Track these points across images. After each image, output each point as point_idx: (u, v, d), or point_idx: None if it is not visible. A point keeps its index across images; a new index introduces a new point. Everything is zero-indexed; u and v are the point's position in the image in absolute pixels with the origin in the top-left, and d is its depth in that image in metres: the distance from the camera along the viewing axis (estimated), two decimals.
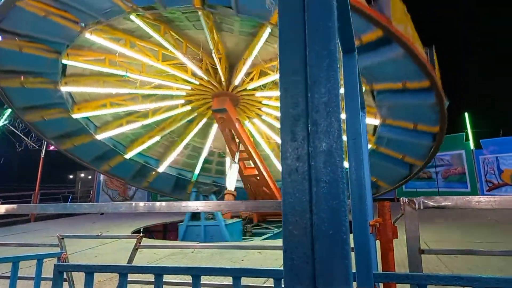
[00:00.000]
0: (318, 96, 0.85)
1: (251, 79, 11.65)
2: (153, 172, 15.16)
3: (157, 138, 14.12)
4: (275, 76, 11.00)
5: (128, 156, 14.02)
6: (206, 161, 16.02)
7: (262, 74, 11.64)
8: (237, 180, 14.16)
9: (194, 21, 9.58)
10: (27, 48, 9.61)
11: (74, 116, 11.98)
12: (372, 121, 10.99)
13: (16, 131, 18.79)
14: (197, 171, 15.79)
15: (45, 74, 10.71)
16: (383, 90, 9.77)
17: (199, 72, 11.21)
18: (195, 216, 11.04)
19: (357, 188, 1.72)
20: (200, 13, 8.81)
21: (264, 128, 14.57)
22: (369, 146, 11.76)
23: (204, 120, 14.04)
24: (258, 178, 13.09)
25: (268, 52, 10.83)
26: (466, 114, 21.11)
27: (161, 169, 14.97)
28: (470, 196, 2.37)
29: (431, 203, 2.35)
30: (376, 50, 8.28)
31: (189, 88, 12.14)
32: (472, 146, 20.31)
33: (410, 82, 9.20)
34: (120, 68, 11.20)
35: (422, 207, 2.35)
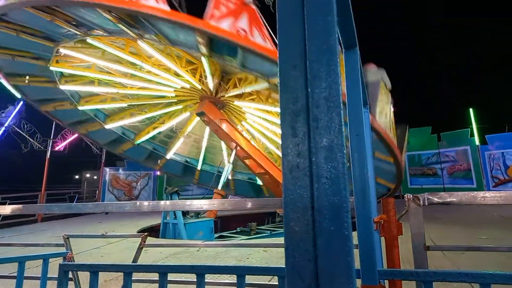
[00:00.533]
0: (318, 91, 0.84)
1: (228, 89, 11.93)
2: (162, 159, 16.85)
3: (160, 129, 15.23)
4: (240, 90, 11.55)
5: (137, 142, 15.64)
6: (209, 152, 17.35)
7: (236, 86, 11.85)
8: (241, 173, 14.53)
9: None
10: (17, 57, 10.62)
11: (81, 108, 13.37)
12: None
13: (22, 132, 18.91)
14: (200, 161, 17.48)
15: (44, 75, 11.62)
16: None
17: (185, 74, 11.41)
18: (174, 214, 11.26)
19: (361, 184, 1.70)
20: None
21: (253, 131, 15.05)
22: None
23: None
24: (267, 176, 13.11)
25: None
26: (471, 110, 20.96)
27: (169, 156, 16.69)
28: (475, 192, 2.35)
29: (436, 199, 2.33)
30: None
31: (178, 87, 12.38)
32: (477, 142, 20.16)
33: (379, 152, 10.42)
34: (107, 74, 11.75)
35: (427, 204, 2.33)
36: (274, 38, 8.34)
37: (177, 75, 11.38)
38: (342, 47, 1.71)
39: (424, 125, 22.83)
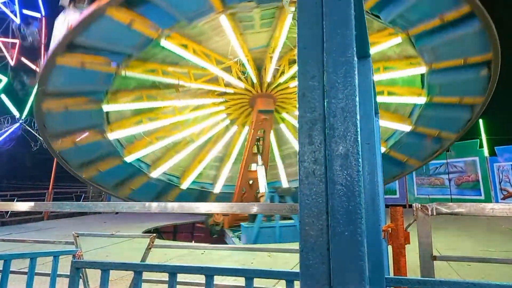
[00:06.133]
0: (335, 102, 0.88)
1: (282, 73, 11.69)
2: (210, 195, 14.94)
3: (207, 160, 13.98)
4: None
5: (184, 186, 13.96)
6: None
7: (292, 63, 11.59)
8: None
9: (216, 28, 9.72)
10: (71, 106, 9.95)
11: (127, 159, 11.93)
12: (418, 70, 10.64)
13: (32, 130, 19.17)
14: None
15: (92, 126, 10.83)
16: (421, 32, 9.41)
17: (233, 80, 11.40)
18: (253, 217, 10.66)
19: (371, 192, 1.73)
20: (224, 17, 8.97)
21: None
22: (423, 99, 11.47)
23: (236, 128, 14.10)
24: (252, 182, 12.97)
25: (292, 39, 10.64)
26: (481, 121, 20.76)
27: (216, 190, 14.79)
28: (484, 204, 2.35)
29: (444, 210, 2.34)
30: None
31: (224, 100, 12.34)
32: (486, 153, 19.95)
33: (447, 13, 8.74)
34: (156, 99, 11.57)
35: (435, 213, 2.34)
36: None
37: (218, 84, 11.51)
38: (356, 56, 1.75)
39: None
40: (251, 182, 12.78)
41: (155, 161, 13.22)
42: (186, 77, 11.27)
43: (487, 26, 8.91)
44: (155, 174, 12.92)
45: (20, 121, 19.39)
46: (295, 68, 11.08)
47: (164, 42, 9.28)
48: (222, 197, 14.70)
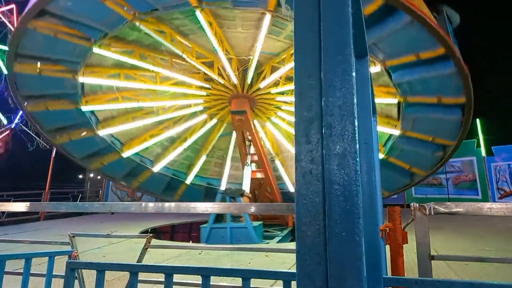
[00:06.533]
0: (332, 100, 0.86)
1: (264, 78, 11.66)
2: (183, 185, 15.10)
3: (180, 149, 14.07)
4: (286, 68, 10.93)
5: (155, 169, 14.13)
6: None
7: (274, 70, 11.55)
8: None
9: (199, 23, 9.58)
10: (44, 71, 10.04)
11: (100, 132, 12.22)
12: (394, 101, 10.63)
13: (28, 131, 19.08)
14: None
15: (66, 95, 11.01)
16: (396, 65, 9.36)
17: (211, 74, 11.31)
18: (218, 218, 10.84)
19: (368, 192, 1.72)
20: (198, 12, 8.83)
21: (284, 125, 14.47)
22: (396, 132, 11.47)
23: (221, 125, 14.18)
24: (262, 182, 13.06)
25: (276, 46, 10.77)
26: (478, 120, 20.83)
27: (188, 180, 14.98)
28: (481, 203, 2.35)
29: (442, 209, 2.34)
30: (382, 21, 8.01)
31: (205, 94, 12.29)
32: (483, 153, 20.02)
33: (423, 52, 8.66)
34: (134, 81, 11.57)
35: (433, 213, 2.33)
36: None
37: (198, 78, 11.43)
38: (353, 55, 1.74)
39: None
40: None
41: (130, 141, 13.53)
42: (165, 65, 11.18)
43: (461, 71, 8.94)
44: (128, 153, 13.27)
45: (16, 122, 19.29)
46: (275, 75, 11.32)
47: (139, 25, 9.23)
48: (193, 189, 15.30)
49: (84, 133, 12.10)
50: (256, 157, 12.74)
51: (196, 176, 15.15)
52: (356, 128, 0.84)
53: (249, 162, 12.72)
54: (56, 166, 19.52)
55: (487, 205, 2.25)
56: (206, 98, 12.57)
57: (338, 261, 0.77)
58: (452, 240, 8.96)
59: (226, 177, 15.25)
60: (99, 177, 27.87)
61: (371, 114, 1.85)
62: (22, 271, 2.72)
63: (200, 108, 13.22)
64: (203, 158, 14.78)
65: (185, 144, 14.01)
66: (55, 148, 19.10)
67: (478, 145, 20.36)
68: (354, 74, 0.87)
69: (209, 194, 15.58)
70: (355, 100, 0.85)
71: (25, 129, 19.14)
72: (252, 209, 3.56)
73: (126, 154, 13.16)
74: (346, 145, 0.83)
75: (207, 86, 11.91)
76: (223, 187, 14.64)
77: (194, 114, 13.59)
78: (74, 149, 12.72)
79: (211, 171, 15.96)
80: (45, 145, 19.35)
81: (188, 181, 14.98)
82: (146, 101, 12.05)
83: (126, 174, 14.13)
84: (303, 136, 0.86)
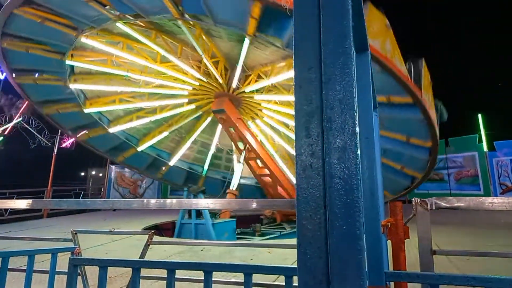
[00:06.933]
0: (332, 93, 0.86)
1: (249, 83, 11.82)
2: (165, 166, 15.95)
3: (166, 133, 14.67)
4: (269, 81, 11.28)
5: (140, 148, 14.82)
6: (215, 157, 16.55)
7: (260, 77, 11.77)
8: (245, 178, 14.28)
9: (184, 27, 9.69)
10: (32, 49, 10.30)
11: (86, 110, 12.78)
12: None
13: (30, 128, 19.11)
14: (206, 166, 16.40)
15: (54, 72, 11.41)
16: None
17: (197, 75, 11.47)
18: (189, 214, 11.19)
19: (370, 187, 1.72)
20: (181, 22, 9.01)
21: (266, 129, 14.74)
22: None
23: (210, 118, 14.36)
24: (267, 177, 13.11)
25: (261, 58, 10.98)
26: (480, 116, 20.77)
27: (172, 162, 15.68)
28: (483, 198, 2.34)
29: (443, 204, 2.33)
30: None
31: (191, 88, 12.40)
32: (485, 148, 19.98)
33: (393, 96, 8.95)
34: (122, 68, 11.64)
35: (434, 208, 2.33)
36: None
37: (185, 73, 11.50)
38: (354, 50, 1.73)
39: None
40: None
41: (117, 118, 14.18)
42: (153, 59, 11.24)
43: (428, 121, 9.48)
44: (114, 130, 13.96)
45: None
46: (260, 84, 11.49)
47: (120, 25, 9.41)
48: (176, 170, 16.28)
49: (71, 107, 12.76)
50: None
51: (179, 160, 15.90)
52: (357, 122, 0.83)
53: (241, 160, 12.89)
54: (58, 164, 19.59)
55: (489, 199, 2.24)
56: (192, 92, 12.70)
57: (339, 254, 0.77)
58: (454, 236, 8.96)
59: (208, 164, 16.36)
60: (100, 174, 27.91)
61: (372, 109, 1.84)
62: (25, 268, 2.73)
63: (186, 100, 13.45)
64: (187, 145, 15.36)
65: (170, 130, 14.65)
66: (56, 146, 19.23)
67: (480, 140, 20.32)
68: (354, 67, 0.87)
69: (190, 178, 16.63)
70: (355, 93, 0.84)
71: (27, 127, 19.16)
72: (254, 204, 3.55)
73: (112, 130, 13.93)
74: (347, 139, 0.82)
75: (195, 82, 12.00)
76: (204, 173, 16.11)
77: (181, 104, 13.86)
78: (61, 120, 13.47)
79: (193, 157, 16.76)
80: (47, 143, 19.40)
81: (172, 163, 15.74)
82: (136, 72, 11.92)
83: (111, 148, 14.98)
84: (303, 130, 0.86)
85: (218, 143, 15.31)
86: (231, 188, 12.37)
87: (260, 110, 13.49)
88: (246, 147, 12.48)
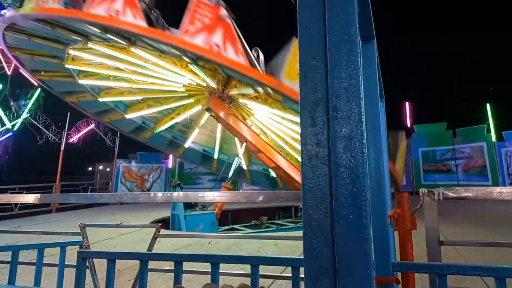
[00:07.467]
0: (338, 81, 0.84)
1: (236, 86, 12.03)
2: (180, 148, 17.45)
3: (176, 120, 15.59)
4: (238, 91, 11.94)
5: (156, 131, 16.30)
6: (224, 141, 17.37)
7: (243, 86, 11.92)
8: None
9: None
10: (36, 56, 11.71)
11: (101, 100, 14.16)
12: None
13: (37, 124, 19.27)
14: (216, 150, 17.65)
15: (63, 71, 12.45)
16: None
17: (187, 75, 11.66)
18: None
19: (376, 177, 1.70)
20: None
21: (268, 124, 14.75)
22: None
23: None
24: (280, 170, 13.12)
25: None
26: (488, 105, 20.50)
27: (187, 144, 17.05)
28: (491, 187, 2.31)
29: (451, 194, 2.31)
30: None
31: (186, 83, 12.59)
32: (493, 138, 19.75)
33: None
34: (119, 70, 12.31)
35: (441, 198, 2.31)
36: (249, 51, 8.36)
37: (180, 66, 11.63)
38: (360, 39, 1.70)
39: (439, 120, 22.43)
40: None
41: (132, 105, 15.28)
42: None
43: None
44: (130, 116, 15.14)
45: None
46: (244, 90, 11.65)
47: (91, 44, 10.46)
48: (191, 152, 17.94)
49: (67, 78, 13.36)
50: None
51: (192, 142, 17.25)
52: (363, 110, 0.82)
53: (240, 154, 13.38)
54: (66, 159, 19.77)
55: (497, 189, 2.21)
56: (188, 87, 12.88)
57: (346, 243, 0.76)
58: (461, 228, 8.92)
59: (217, 150, 17.59)
60: (108, 169, 28.11)
61: (378, 99, 1.82)
62: (35, 261, 2.77)
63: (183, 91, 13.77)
64: (196, 131, 16.37)
65: (178, 118, 15.55)
66: (64, 142, 19.40)
67: (488, 130, 20.08)
68: (360, 55, 0.85)
69: (205, 158, 18.40)
70: (361, 81, 0.83)
71: (34, 122, 19.32)
72: (260, 197, 3.56)
73: (128, 116, 15.14)
74: (353, 127, 0.81)
75: (188, 80, 12.19)
76: (216, 156, 17.58)
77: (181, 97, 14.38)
78: (84, 106, 14.88)
79: (206, 141, 18.04)
80: (54, 138, 19.57)
81: (186, 145, 17.08)
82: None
83: (133, 130, 16.45)
84: (308, 119, 0.85)
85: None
86: (225, 182, 12.51)
87: (251, 109, 13.80)
88: (245, 142, 12.50)
